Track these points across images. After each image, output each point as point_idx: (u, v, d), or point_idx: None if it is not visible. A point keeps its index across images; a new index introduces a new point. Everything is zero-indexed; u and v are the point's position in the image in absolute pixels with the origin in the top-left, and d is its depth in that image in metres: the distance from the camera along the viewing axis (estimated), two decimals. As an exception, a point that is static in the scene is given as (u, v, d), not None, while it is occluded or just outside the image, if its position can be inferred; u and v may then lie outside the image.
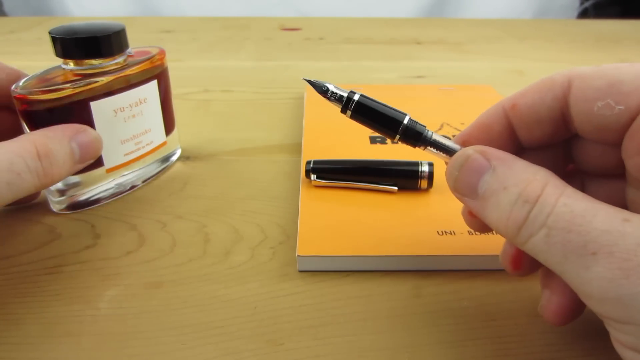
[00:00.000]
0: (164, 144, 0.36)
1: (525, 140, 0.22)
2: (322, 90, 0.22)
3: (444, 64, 0.67)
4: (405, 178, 0.32)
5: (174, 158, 0.39)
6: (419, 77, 0.61)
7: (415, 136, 0.22)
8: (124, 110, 0.31)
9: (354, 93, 0.22)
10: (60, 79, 0.29)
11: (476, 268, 0.27)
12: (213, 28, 0.86)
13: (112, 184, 0.33)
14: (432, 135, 0.22)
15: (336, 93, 0.22)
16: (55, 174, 0.25)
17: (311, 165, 0.33)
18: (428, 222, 0.29)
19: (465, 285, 0.26)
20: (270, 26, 0.88)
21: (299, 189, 0.33)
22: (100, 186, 0.33)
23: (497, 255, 0.24)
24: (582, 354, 0.22)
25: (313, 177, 0.33)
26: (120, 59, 0.31)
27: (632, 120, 0.18)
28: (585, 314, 0.24)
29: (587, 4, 1.29)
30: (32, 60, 0.64)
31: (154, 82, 0.33)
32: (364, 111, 0.22)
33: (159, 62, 0.34)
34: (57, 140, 0.25)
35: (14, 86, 0.27)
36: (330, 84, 0.22)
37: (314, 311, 0.24)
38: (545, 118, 0.21)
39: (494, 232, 0.23)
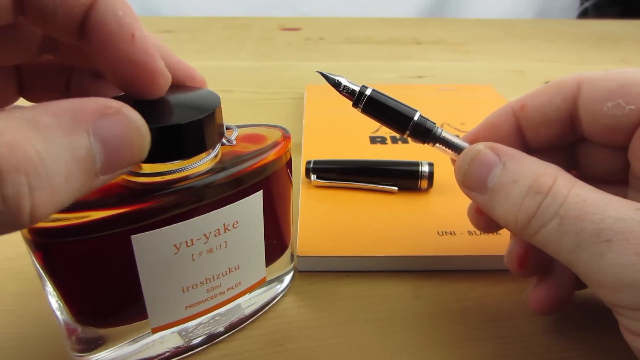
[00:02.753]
0: (261, 281, 0.24)
1: (532, 142, 0.22)
2: (335, 84, 0.22)
3: (444, 64, 0.67)
4: (405, 178, 0.32)
5: (279, 288, 0.25)
6: (419, 77, 0.60)
7: (424, 133, 0.22)
8: (192, 244, 0.19)
9: (366, 88, 0.22)
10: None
11: (476, 268, 0.27)
12: (213, 28, 0.86)
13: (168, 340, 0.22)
14: (441, 132, 0.22)
15: (348, 87, 0.22)
16: (46, 202, 0.12)
17: (311, 165, 0.33)
18: (428, 222, 0.29)
19: (465, 286, 0.26)
20: (270, 26, 0.88)
21: (299, 189, 0.33)
22: (139, 342, 0.21)
23: (498, 256, 0.24)
24: (582, 355, 0.22)
25: (313, 177, 0.33)
26: (208, 158, 0.19)
27: None
28: (586, 315, 0.24)
29: (587, 4, 1.29)
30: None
31: (258, 195, 0.21)
32: (375, 106, 0.22)
33: (275, 158, 0.21)
34: (58, 132, 0.13)
35: None
36: (342, 77, 0.23)
37: (314, 312, 0.24)
38: (553, 119, 0.21)
39: (499, 232, 0.23)
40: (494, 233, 0.27)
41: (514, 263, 0.22)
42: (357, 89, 0.22)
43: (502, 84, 0.54)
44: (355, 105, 0.22)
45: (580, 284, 0.20)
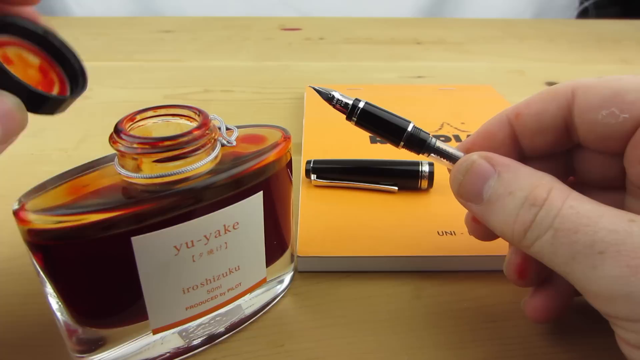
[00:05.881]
0: (262, 281, 0.24)
1: (528, 149, 0.22)
2: (328, 98, 0.23)
3: (444, 64, 0.67)
4: (406, 178, 0.32)
5: (280, 288, 0.25)
6: (419, 77, 0.60)
7: (419, 143, 0.22)
8: (193, 246, 0.20)
9: (359, 101, 0.22)
10: (100, 186, 0.19)
11: (476, 269, 0.27)
12: (213, 28, 0.86)
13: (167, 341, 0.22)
14: (435, 142, 0.22)
15: (341, 100, 0.22)
16: None
17: (311, 165, 0.33)
18: (428, 222, 0.29)
19: (465, 286, 0.26)
20: (270, 26, 0.88)
21: (299, 189, 0.33)
22: (140, 342, 0.21)
23: (498, 256, 0.24)
24: (582, 356, 0.22)
25: (313, 177, 0.33)
26: (208, 159, 0.19)
27: (636, 128, 0.19)
28: (586, 316, 0.24)
29: (587, 4, 1.29)
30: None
31: (258, 196, 0.21)
32: (369, 118, 0.23)
33: (275, 159, 0.21)
34: None
35: (21, 197, 0.18)
36: (335, 91, 0.23)
37: (314, 312, 0.24)
38: (548, 127, 0.21)
39: (496, 240, 0.23)
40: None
41: (513, 273, 0.22)
42: (350, 102, 0.22)
43: (502, 84, 0.54)
44: (348, 118, 0.23)
45: (578, 292, 0.20)
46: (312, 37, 0.81)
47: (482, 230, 0.23)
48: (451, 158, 0.22)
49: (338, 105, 0.23)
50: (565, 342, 0.23)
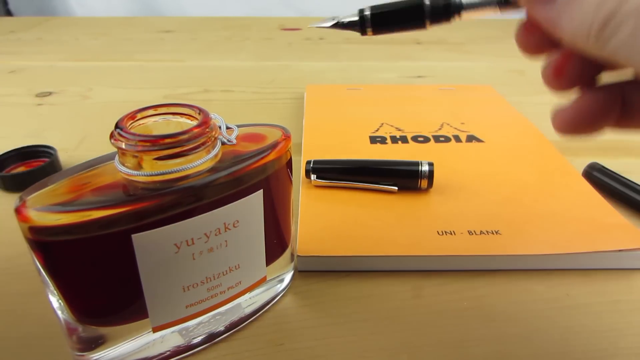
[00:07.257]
0: (262, 280, 0.24)
1: None
2: (335, 25, 0.21)
3: (444, 64, 0.67)
4: (406, 178, 0.32)
5: (280, 287, 0.25)
6: (419, 77, 0.61)
7: (444, 9, 0.20)
8: (193, 244, 0.20)
9: (364, 10, 0.21)
10: (97, 185, 0.19)
11: (476, 268, 0.27)
12: (213, 28, 0.86)
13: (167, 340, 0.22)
14: None
15: (347, 21, 0.21)
16: None
17: (311, 165, 0.33)
18: (428, 222, 0.29)
19: (465, 286, 0.26)
20: (270, 26, 0.88)
21: (299, 189, 0.33)
22: (140, 341, 0.21)
23: (498, 256, 0.24)
24: (582, 355, 0.22)
25: (313, 177, 0.33)
26: (208, 157, 0.19)
27: None
28: (586, 314, 0.24)
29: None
30: (32, 60, 0.64)
31: (258, 194, 0.21)
32: (383, 20, 0.21)
33: (275, 157, 0.21)
34: None
35: (22, 194, 0.18)
36: (337, 17, 0.21)
37: (314, 311, 0.24)
38: None
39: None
40: (494, 233, 0.27)
41: (550, 73, 0.19)
42: (356, 18, 0.21)
43: (502, 84, 0.54)
44: (363, 32, 0.21)
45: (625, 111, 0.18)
46: (312, 37, 0.81)
47: (534, 40, 0.20)
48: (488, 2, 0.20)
49: (348, 27, 0.21)
50: (565, 341, 0.23)
